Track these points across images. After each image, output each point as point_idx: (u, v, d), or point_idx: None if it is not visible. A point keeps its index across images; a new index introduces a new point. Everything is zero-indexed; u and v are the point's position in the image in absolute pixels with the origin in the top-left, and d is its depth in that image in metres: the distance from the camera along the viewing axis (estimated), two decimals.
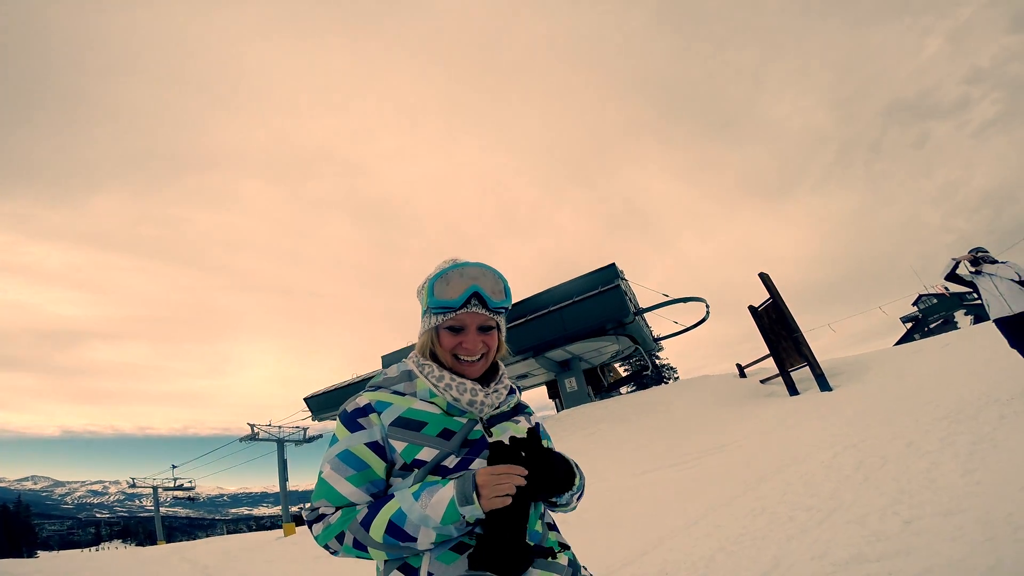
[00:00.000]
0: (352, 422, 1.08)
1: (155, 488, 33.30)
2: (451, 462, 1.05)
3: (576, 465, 1.18)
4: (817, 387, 10.62)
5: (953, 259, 5.35)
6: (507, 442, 1.07)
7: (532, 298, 20.15)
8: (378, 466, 1.05)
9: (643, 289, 20.79)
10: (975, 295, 5.27)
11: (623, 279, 18.70)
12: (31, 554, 46.75)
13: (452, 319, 1.12)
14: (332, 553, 1.04)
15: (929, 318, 35.77)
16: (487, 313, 1.12)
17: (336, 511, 1.03)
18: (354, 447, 1.05)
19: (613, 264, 18.80)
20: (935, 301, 36.23)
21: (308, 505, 1.08)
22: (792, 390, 11.25)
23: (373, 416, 1.07)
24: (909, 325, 37.33)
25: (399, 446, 1.04)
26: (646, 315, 20.70)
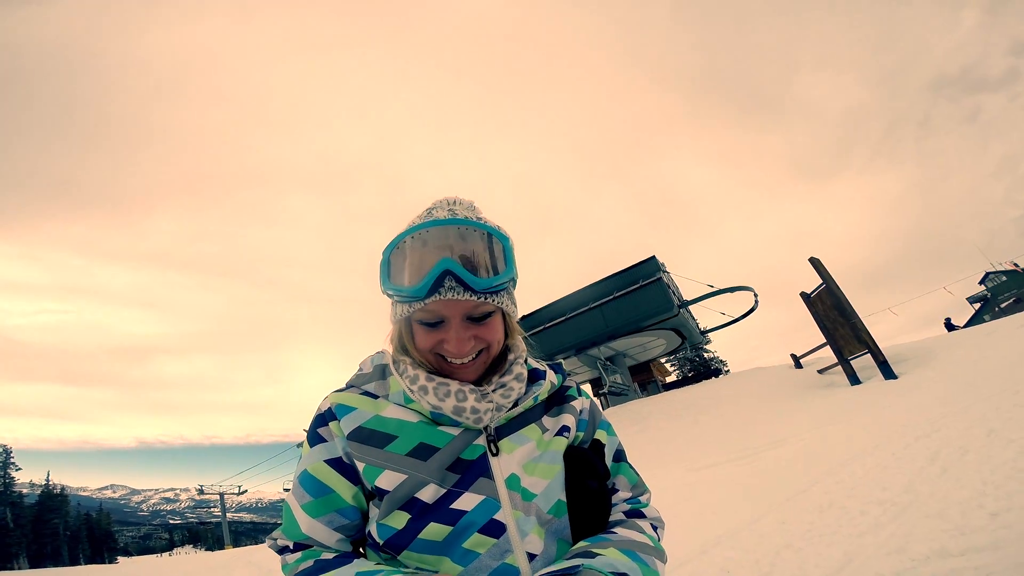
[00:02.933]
0: (312, 433, 0.81)
1: (221, 495, 35.57)
2: (430, 494, 0.73)
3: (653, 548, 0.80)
4: (881, 375, 10.06)
5: None
6: (525, 472, 0.76)
7: (571, 295, 20.02)
8: (346, 491, 0.77)
9: (686, 281, 20.23)
10: None
11: (665, 272, 18.33)
12: (112, 560, 50.92)
13: (422, 311, 0.76)
14: None
15: (999, 297, 32.99)
16: (473, 298, 0.75)
17: (296, 550, 0.77)
18: (312, 466, 0.78)
19: (653, 257, 18.45)
20: (1004, 278, 33.37)
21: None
22: (853, 379, 10.70)
23: (333, 425, 0.79)
24: (977, 305, 34.58)
25: (359, 466, 0.76)
26: (692, 307, 20.21)
